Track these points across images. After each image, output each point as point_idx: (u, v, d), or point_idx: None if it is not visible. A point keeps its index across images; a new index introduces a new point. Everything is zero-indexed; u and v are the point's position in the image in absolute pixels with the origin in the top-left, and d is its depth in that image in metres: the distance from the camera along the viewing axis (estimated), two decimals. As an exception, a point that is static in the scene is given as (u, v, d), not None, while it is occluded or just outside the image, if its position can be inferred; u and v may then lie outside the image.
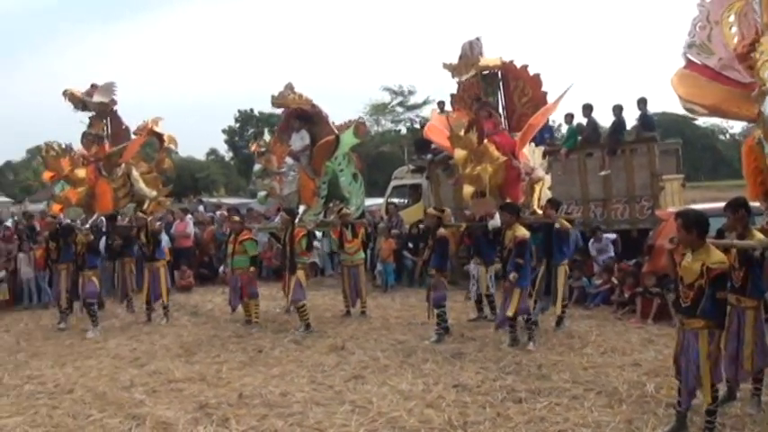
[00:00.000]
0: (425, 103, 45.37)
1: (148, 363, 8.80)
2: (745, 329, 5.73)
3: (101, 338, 10.56)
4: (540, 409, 6.22)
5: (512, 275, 8.58)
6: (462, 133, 9.83)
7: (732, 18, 6.38)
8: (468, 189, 10.03)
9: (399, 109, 49.45)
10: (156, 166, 13.69)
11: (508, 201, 9.45)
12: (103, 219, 12.39)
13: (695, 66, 6.69)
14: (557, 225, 9.48)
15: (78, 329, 11.29)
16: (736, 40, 6.25)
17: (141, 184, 12.98)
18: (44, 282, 14.05)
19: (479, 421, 6.00)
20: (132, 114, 13.57)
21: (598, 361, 7.86)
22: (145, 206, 12.86)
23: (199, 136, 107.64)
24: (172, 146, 14.12)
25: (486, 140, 9.72)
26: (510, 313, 8.65)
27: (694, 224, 5.22)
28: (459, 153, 9.92)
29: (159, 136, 13.63)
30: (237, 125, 62.48)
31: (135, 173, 12.92)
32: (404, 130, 49.16)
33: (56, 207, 12.91)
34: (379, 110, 48.90)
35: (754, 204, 6.29)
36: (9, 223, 17.11)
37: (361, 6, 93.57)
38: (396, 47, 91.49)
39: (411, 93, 48.43)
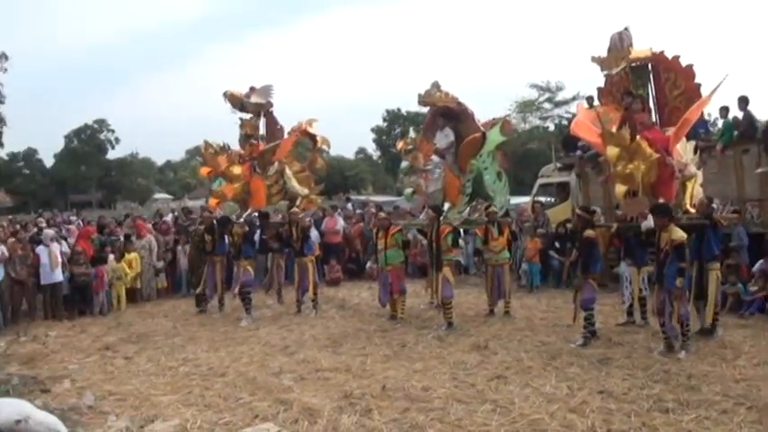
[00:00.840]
0: (574, 98, 44.00)
1: (297, 351, 9.19)
2: None
3: (253, 327, 11.14)
4: (688, 422, 5.93)
5: (678, 281, 8.22)
6: (614, 130, 9.52)
7: None
8: (620, 188, 9.65)
9: (547, 105, 48.44)
10: (308, 165, 14.18)
11: (660, 201, 9.04)
12: (256, 214, 12.98)
13: None
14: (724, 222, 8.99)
15: (232, 318, 11.96)
16: None
17: (294, 183, 13.50)
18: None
19: (624, 430, 5.81)
20: (288, 115, 14.13)
21: (750, 374, 7.39)
22: (297, 203, 13.36)
23: (349, 135, 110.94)
24: (324, 146, 14.56)
25: (638, 137, 9.36)
26: (675, 322, 8.34)
27: None
28: (612, 150, 9.55)
29: (312, 137, 14.10)
30: (385, 124, 63.63)
31: (288, 171, 13.45)
32: (552, 127, 48.14)
33: (212, 201, 13.77)
34: (526, 107, 48.12)
35: None
36: (168, 218, 18.34)
37: (507, 3, 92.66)
38: (543, 42, 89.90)
39: (559, 89, 47.34)
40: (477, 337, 9.69)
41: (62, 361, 9.30)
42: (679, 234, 8.30)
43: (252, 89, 13.36)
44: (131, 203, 60.51)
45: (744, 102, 12.93)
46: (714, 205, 9.89)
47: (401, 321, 11.09)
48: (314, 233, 15.75)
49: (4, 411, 5.26)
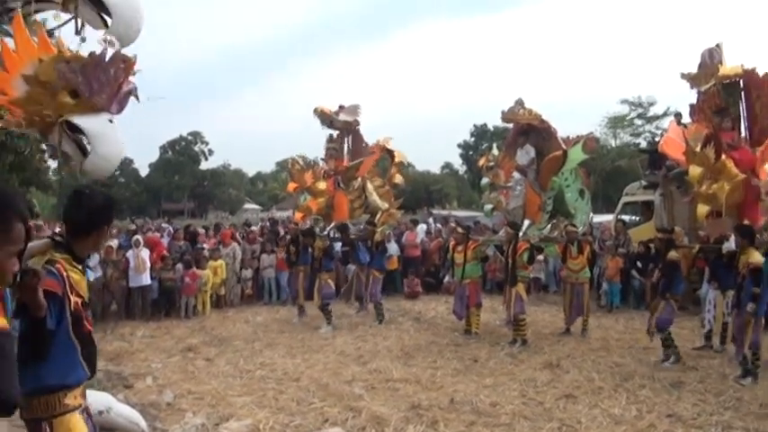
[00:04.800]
0: (666, 114, 42.91)
1: (370, 361, 9.39)
2: None
3: (330, 335, 11.41)
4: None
5: (749, 306, 8.04)
6: (699, 148, 9.35)
7: None
8: (702, 208, 9.50)
9: (638, 121, 47.35)
10: (388, 180, 14.46)
11: (744, 222, 8.83)
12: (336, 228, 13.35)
13: None
14: None
15: (311, 326, 12.28)
16: None
17: (375, 197, 13.80)
18: (284, 280, 15.31)
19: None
20: (375, 129, 14.50)
21: (829, 406, 7.13)
22: (377, 217, 13.65)
23: (435, 150, 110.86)
24: (402, 161, 14.85)
25: (724, 156, 9.15)
26: (746, 349, 8.15)
27: None
28: (695, 169, 9.40)
29: (390, 153, 14.43)
30: (472, 139, 63.44)
31: (370, 186, 13.77)
32: (643, 144, 46.97)
33: (298, 215, 14.23)
34: (617, 122, 47.20)
35: None
36: (255, 228, 18.93)
37: (597, 17, 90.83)
38: (636, 56, 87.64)
39: (651, 104, 46.22)
40: (549, 356, 9.67)
41: (145, 359, 9.79)
42: (756, 258, 8.10)
43: (341, 107, 13.78)
44: (222, 213, 62.27)
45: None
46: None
47: (475, 336, 11.14)
48: (393, 247, 16.01)
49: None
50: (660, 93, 51.23)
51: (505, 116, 11.88)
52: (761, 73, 10.03)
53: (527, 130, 11.90)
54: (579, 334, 11.36)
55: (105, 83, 4.95)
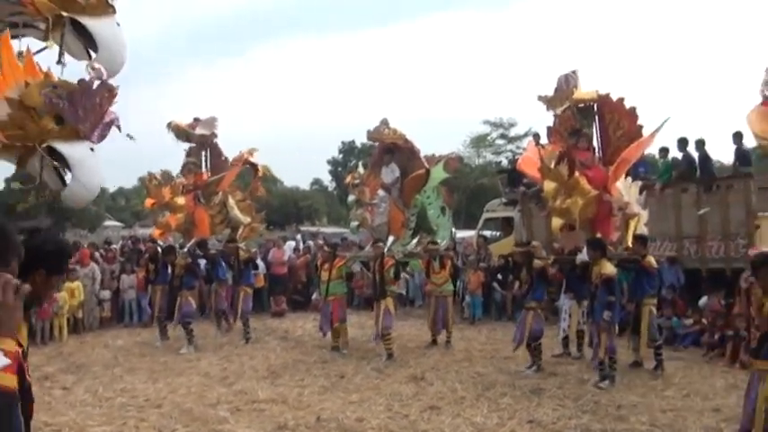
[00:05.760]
0: (526, 135, 44.78)
1: (236, 382, 9.18)
2: None
3: (193, 357, 11.09)
4: (612, 451, 6.14)
5: (605, 314, 8.54)
6: (553, 165, 9.85)
7: None
8: (556, 222, 10.02)
9: (500, 141, 49.13)
10: (249, 194, 14.26)
11: (596, 236, 9.36)
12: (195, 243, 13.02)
13: None
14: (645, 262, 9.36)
15: (173, 348, 11.87)
16: None
17: (236, 211, 13.53)
18: (145, 301, 14.81)
19: (548, 458, 5.98)
20: (240, 146, 14.25)
21: (678, 404, 7.65)
22: (239, 233, 13.42)
23: (304, 166, 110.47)
24: (265, 174, 14.71)
25: (577, 173, 9.69)
26: (602, 354, 8.62)
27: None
28: (549, 185, 9.89)
29: (254, 166, 14.23)
30: (341, 156, 63.79)
31: (231, 200, 13.50)
32: (505, 162, 48.85)
33: (156, 232, 13.77)
34: (479, 142, 48.80)
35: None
36: (116, 246, 18.17)
37: (461, 41, 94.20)
38: (497, 79, 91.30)
39: (512, 125, 48.04)
40: (414, 369, 9.81)
41: (-4, 391, 9.11)
42: (609, 269, 8.63)
43: (196, 120, 13.47)
44: (81, 231, 59.30)
45: (683, 143, 13.51)
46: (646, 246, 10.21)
47: (342, 353, 11.16)
48: (260, 264, 15.80)
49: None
50: (521, 115, 53.35)
51: (371, 135, 12.15)
52: (615, 98, 10.74)
53: (392, 149, 12.17)
54: (444, 346, 11.61)
55: (90, 111, 4.82)
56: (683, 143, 13.50)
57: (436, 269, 11.80)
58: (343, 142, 63.40)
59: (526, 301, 9.94)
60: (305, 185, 68.19)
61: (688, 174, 13.30)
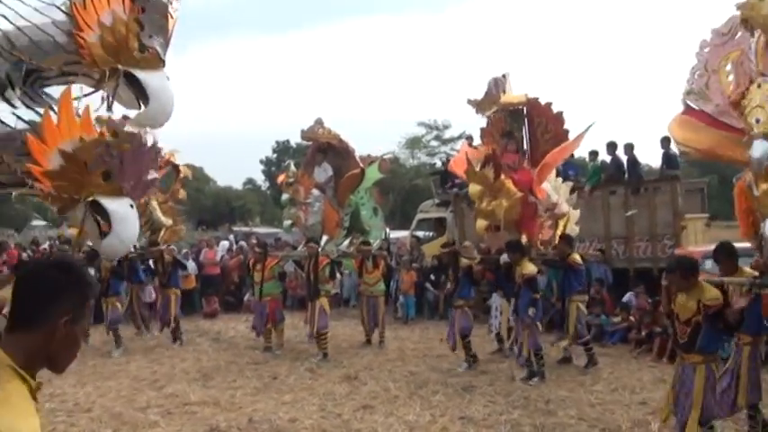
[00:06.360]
0: (460, 137, 45.34)
1: (166, 385, 9.02)
2: (741, 364, 5.93)
3: (123, 360, 10.85)
4: (541, 445, 6.27)
5: (530, 311, 8.78)
6: (478, 168, 10.02)
7: (729, 67, 6.60)
8: (481, 223, 10.26)
9: (435, 143, 49.57)
10: (171, 195, 13.97)
11: (513, 238, 9.60)
12: None
13: (693, 111, 6.93)
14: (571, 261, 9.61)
15: (102, 351, 11.58)
16: (731, 87, 6.43)
17: (159, 213, 13.22)
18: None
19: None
20: (172, 145, 13.94)
21: (606, 398, 7.87)
22: (161, 235, 13.15)
23: (237, 166, 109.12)
24: (187, 176, 14.44)
25: (503, 176, 9.87)
26: (525, 351, 8.86)
27: (681, 268, 5.44)
28: (474, 188, 10.15)
29: (176, 167, 13.95)
30: (275, 156, 63.25)
31: (153, 202, 13.21)
32: (439, 164, 49.24)
33: (74, 231, 13.35)
34: (414, 143, 49.09)
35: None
36: (45, 246, 17.60)
37: (396, 43, 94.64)
38: (432, 82, 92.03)
39: (446, 127, 48.50)
40: (348, 368, 9.83)
41: None
42: (529, 268, 8.95)
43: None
44: (8, 230, 57.26)
45: (612, 147, 13.91)
46: (574, 244, 10.47)
47: (276, 354, 11.08)
48: (191, 265, 15.54)
49: None
50: (455, 117, 53.83)
51: (305, 135, 12.14)
52: (543, 102, 10.98)
53: (326, 149, 12.17)
54: (377, 346, 11.67)
55: (136, 170, 5.06)
56: (612, 147, 13.89)
57: (369, 269, 11.87)
58: (277, 142, 62.88)
59: (454, 299, 10.16)
60: (238, 185, 67.34)
61: (616, 176, 13.70)
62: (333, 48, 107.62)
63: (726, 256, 6.11)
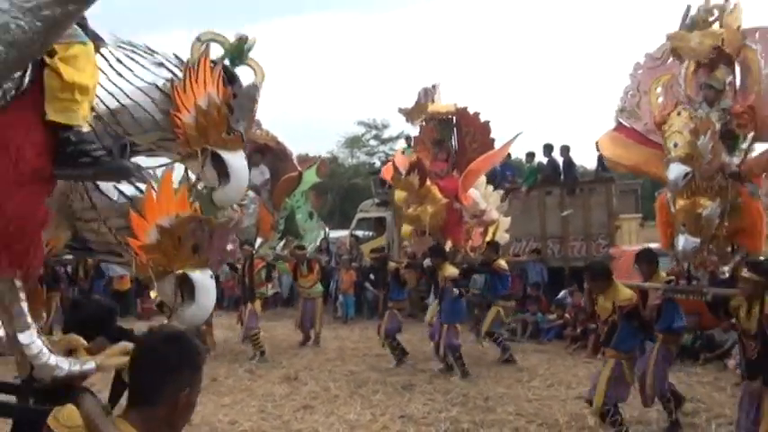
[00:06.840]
0: (399, 137, 45.55)
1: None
2: (648, 361, 6.33)
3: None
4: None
5: (454, 291, 9.18)
6: (404, 175, 10.23)
7: (659, 89, 6.98)
8: (406, 228, 10.76)
9: (374, 142, 49.62)
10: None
11: (435, 244, 9.83)
12: None
13: (624, 128, 7.26)
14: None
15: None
16: (660, 109, 6.82)
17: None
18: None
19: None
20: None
21: (543, 394, 8.04)
22: None
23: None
24: None
25: (430, 182, 10.13)
26: (441, 352, 9.25)
27: (591, 272, 6.09)
28: (400, 194, 10.52)
29: None
30: (211, 156, 62.47)
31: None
32: (378, 163, 49.33)
33: None
34: (353, 143, 49.06)
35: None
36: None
37: (337, 41, 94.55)
38: (370, 82, 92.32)
39: (385, 126, 48.58)
40: (288, 369, 9.78)
41: None
42: (450, 270, 9.26)
43: None
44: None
45: (548, 149, 14.25)
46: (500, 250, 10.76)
47: (210, 354, 10.91)
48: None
49: None
50: (394, 117, 53.97)
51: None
52: (471, 111, 11.17)
53: (263, 150, 12.04)
54: (313, 346, 11.70)
55: (222, 243, 5.33)
56: (548, 149, 14.21)
57: (304, 273, 11.91)
58: (214, 141, 62.16)
59: (388, 301, 10.50)
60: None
61: (553, 177, 14.03)
62: (270, 45, 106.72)
63: (647, 262, 6.54)
